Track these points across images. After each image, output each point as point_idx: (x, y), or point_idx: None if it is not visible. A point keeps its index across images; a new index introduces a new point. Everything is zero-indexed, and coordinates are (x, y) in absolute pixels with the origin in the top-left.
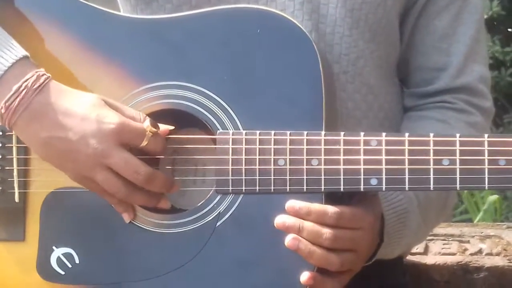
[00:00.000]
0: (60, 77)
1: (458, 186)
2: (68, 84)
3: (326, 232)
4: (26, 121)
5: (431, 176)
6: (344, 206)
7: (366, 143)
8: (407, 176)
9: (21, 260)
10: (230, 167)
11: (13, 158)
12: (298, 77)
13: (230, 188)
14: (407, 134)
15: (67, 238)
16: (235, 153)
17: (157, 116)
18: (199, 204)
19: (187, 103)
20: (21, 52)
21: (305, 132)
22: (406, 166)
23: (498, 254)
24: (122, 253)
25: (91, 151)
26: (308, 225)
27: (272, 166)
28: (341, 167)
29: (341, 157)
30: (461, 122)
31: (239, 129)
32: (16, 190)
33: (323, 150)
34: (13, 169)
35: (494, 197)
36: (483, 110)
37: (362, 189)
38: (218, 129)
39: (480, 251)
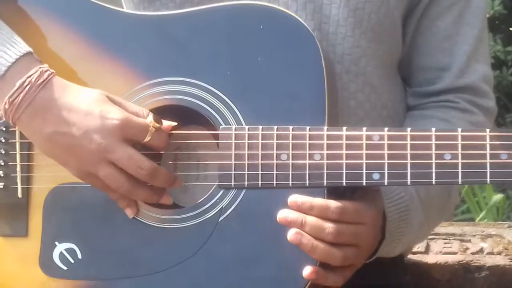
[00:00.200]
0: (64, 72)
1: (460, 180)
2: (72, 79)
3: (329, 226)
4: (29, 116)
5: (433, 170)
6: (347, 200)
7: (368, 137)
8: (409, 171)
9: (23, 256)
10: (232, 162)
11: (16, 153)
12: (301, 72)
13: (233, 183)
14: (409, 129)
15: (69, 234)
16: (238, 148)
17: (160, 112)
18: (201, 199)
19: (190, 98)
20: (24, 48)
21: (308, 127)
22: (408, 161)
23: (499, 253)
24: (124, 248)
25: (94, 146)
26: (311, 219)
27: (274, 161)
28: (344, 161)
29: (344, 151)
30: (464, 121)
31: (242, 125)
32: (19, 186)
33: (325, 144)
34: (16, 164)
35: (498, 196)
36: (486, 109)
37: (364, 184)
38: (221, 125)
39: (481, 250)
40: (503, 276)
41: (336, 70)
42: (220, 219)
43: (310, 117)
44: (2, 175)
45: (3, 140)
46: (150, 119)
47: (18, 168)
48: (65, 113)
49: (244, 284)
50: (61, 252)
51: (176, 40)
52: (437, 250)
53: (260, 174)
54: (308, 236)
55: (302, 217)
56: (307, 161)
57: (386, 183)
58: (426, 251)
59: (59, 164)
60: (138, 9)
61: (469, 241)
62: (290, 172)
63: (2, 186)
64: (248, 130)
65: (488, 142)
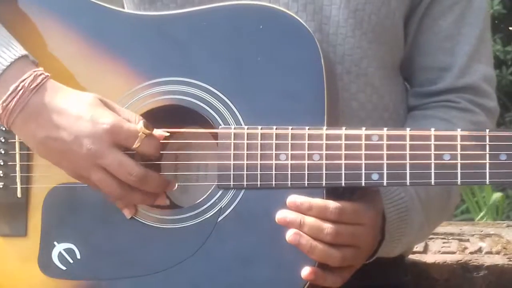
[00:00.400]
0: (64, 72)
1: (459, 181)
2: (71, 79)
3: (328, 227)
4: (23, 121)
5: (432, 171)
6: (346, 201)
7: (368, 138)
8: (408, 171)
9: (22, 255)
10: (231, 162)
11: (15, 153)
12: (300, 72)
13: (232, 183)
14: (408, 129)
15: (68, 234)
16: (237, 148)
17: (160, 112)
18: (200, 200)
19: (189, 99)
20: (20, 51)
21: (307, 127)
22: (407, 161)
23: (498, 253)
24: (123, 248)
25: (85, 151)
26: (310, 220)
27: (273, 161)
28: (343, 162)
29: (343, 152)
30: (465, 121)
31: (241, 125)
32: (19, 185)
33: (324, 145)
34: (15, 164)
35: (498, 195)
36: (487, 109)
37: (363, 184)
38: (220, 125)
39: (480, 250)
40: (501, 276)
41: (337, 71)
42: (219, 219)
43: (309, 117)
44: (1, 175)
45: (3, 140)
46: (140, 125)
47: (18, 168)
48: (56, 117)
49: (243, 284)
50: (60, 252)
51: (176, 40)
52: (436, 250)
53: (259, 174)
54: (306, 236)
55: (301, 217)
56: (306, 162)
57: (385, 184)
58: (425, 250)
59: (54, 165)
60: (139, 9)
61: (468, 240)
62: (289, 172)
63: (1, 186)
64: (247, 130)
65: (487, 142)
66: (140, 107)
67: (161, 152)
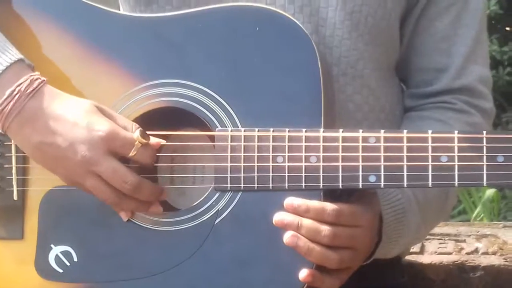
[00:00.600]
0: (59, 74)
1: (456, 182)
2: (67, 81)
3: (325, 229)
4: (18, 125)
5: (430, 172)
6: (343, 203)
7: (365, 140)
8: (405, 173)
9: (19, 258)
10: (228, 164)
11: (11, 156)
12: (297, 74)
13: (229, 185)
14: (405, 131)
15: (65, 236)
16: (234, 150)
17: (156, 114)
18: (197, 202)
19: (186, 101)
20: (16, 55)
21: (304, 129)
22: (405, 163)
23: (494, 253)
24: (120, 251)
25: (79, 158)
26: (307, 222)
27: (270, 163)
28: (340, 164)
29: (340, 154)
30: (461, 122)
31: (238, 127)
32: (15, 188)
33: (321, 147)
34: (11, 167)
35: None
36: (483, 111)
37: (360, 186)
38: (217, 127)
39: (476, 250)
40: (498, 276)
41: (333, 73)
42: (216, 221)
43: (306, 119)
44: None
45: None
46: (137, 134)
47: (14, 171)
48: (52, 123)
49: (240, 286)
50: (57, 255)
51: (172, 42)
52: (432, 250)
53: (256, 177)
54: (304, 238)
55: (298, 219)
56: (303, 164)
57: (382, 186)
58: (421, 251)
59: (49, 171)
60: (135, 11)
61: (464, 241)
62: (286, 174)
63: None
64: (244, 132)
65: (484, 144)
66: (136, 109)
67: (157, 154)
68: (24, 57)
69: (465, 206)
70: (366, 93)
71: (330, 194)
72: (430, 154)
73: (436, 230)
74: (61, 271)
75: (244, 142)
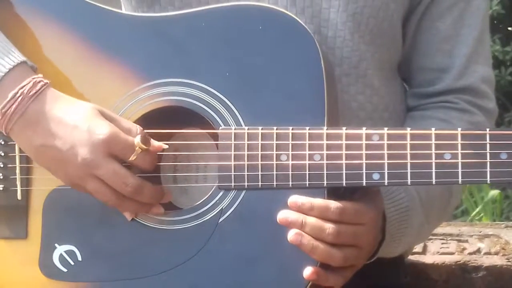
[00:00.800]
0: (62, 75)
1: (460, 180)
2: (69, 81)
3: (329, 227)
4: (21, 127)
5: (433, 170)
6: (347, 201)
7: (368, 137)
8: (409, 171)
9: (23, 258)
10: (232, 163)
11: (15, 155)
12: (300, 72)
13: (233, 184)
14: (409, 128)
15: (69, 236)
16: (237, 148)
17: (159, 113)
18: (201, 201)
19: (189, 100)
20: (18, 57)
21: (307, 127)
22: (408, 161)
23: (496, 254)
24: (124, 250)
25: (80, 161)
26: (311, 220)
27: (274, 162)
28: (343, 162)
29: (343, 152)
30: (463, 121)
31: (242, 126)
32: (19, 188)
33: (325, 145)
34: (15, 166)
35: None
36: (486, 110)
37: (364, 184)
38: (221, 126)
39: (478, 251)
40: (500, 276)
41: (336, 73)
42: (220, 220)
43: (309, 117)
44: (1, 177)
45: (2, 142)
46: (137, 140)
47: (18, 170)
48: (54, 126)
49: (244, 285)
50: (61, 254)
51: (174, 41)
52: (435, 251)
53: (260, 175)
54: (308, 236)
55: (302, 217)
56: (307, 162)
57: (386, 183)
58: (424, 251)
59: (50, 173)
60: (137, 12)
61: (467, 241)
62: (290, 172)
63: (1, 188)
64: (248, 130)
65: (488, 141)
66: (140, 108)
67: (160, 153)
68: (27, 58)
69: (467, 206)
70: (369, 92)
71: (334, 192)
72: (433, 151)
73: (439, 230)
74: (65, 270)
75: (247, 140)
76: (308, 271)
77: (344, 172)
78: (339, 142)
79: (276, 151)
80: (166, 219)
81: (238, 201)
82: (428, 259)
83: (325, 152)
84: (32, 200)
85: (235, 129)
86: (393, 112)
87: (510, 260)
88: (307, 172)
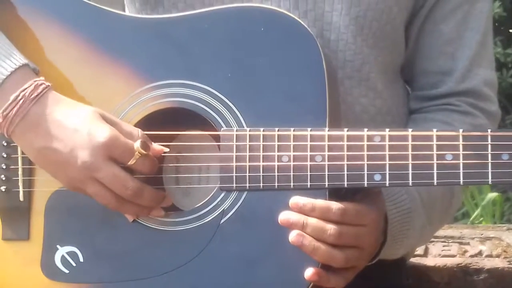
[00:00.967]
0: (64, 77)
1: (461, 181)
2: (72, 84)
3: (330, 228)
4: (22, 130)
5: (435, 171)
6: (348, 202)
7: (370, 138)
8: (410, 172)
9: (25, 259)
10: (234, 164)
11: (18, 157)
12: (302, 74)
13: (234, 185)
14: (410, 130)
15: (71, 237)
16: (239, 150)
17: (161, 115)
18: (203, 202)
19: (191, 101)
20: (20, 60)
21: (309, 128)
22: (410, 162)
23: (498, 256)
24: (126, 251)
25: (80, 164)
26: (312, 221)
27: (276, 163)
28: (345, 163)
29: (345, 153)
30: (466, 124)
31: (243, 127)
32: (21, 189)
33: (326, 146)
34: (17, 168)
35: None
36: (489, 113)
37: (366, 185)
38: (222, 127)
39: (480, 253)
40: (502, 279)
41: (338, 76)
42: (222, 221)
43: (311, 118)
44: (3, 179)
45: (5, 144)
46: (137, 145)
47: (20, 172)
48: (54, 128)
49: (246, 286)
50: (62, 256)
51: (177, 42)
52: (436, 253)
53: (261, 176)
54: (309, 237)
55: (304, 218)
56: (308, 163)
57: (387, 184)
58: (425, 254)
59: (51, 176)
60: (141, 14)
61: (468, 243)
62: (292, 173)
63: (4, 190)
64: (249, 131)
65: (489, 142)
66: (142, 110)
67: (162, 154)
68: (29, 61)
69: (468, 208)
70: (372, 95)
71: (335, 193)
72: (435, 152)
73: (440, 232)
74: (67, 271)
75: (249, 141)
76: (309, 272)
77: (345, 173)
78: (341, 143)
79: (277, 152)
80: (167, 220)
81: (240, 202)
82: (429, 261)
83: (326, 153)
84: (34, 201)
85: (236, 130)
86: (396, 115)
87: (511, 262)
88: (308, 173)
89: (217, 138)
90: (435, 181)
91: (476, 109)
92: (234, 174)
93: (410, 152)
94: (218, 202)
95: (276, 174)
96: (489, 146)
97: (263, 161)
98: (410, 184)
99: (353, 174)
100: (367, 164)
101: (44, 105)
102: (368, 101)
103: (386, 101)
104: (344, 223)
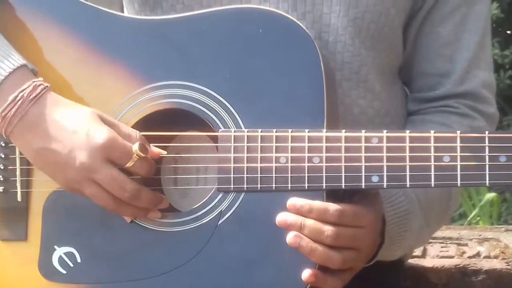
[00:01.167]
0: (63, 78)
1: (459, 182)
2: (70, 85)
3: (328, 229)
4: (20, 131)
5: (432, 172)
6: (346, 203)
7: (367, 140)
8: (408, 173)
9: (23, 260)
10: (231, 165)
11: (15, 157)
12: (300, 75)
13: (232, 186)
14: (408, 131)
15: (69, 237)
16: (237, 151)
17: (159, 116)
18: (200, 203)
19: (189, 102)
20: (19, 61)
21: (307, 130)
22: (407, 163)
23: (496, 257)
24: (124, 252)
25: (78, 165)
26: (310, 222)
27: (273, 164)
28: (343, 164)
29: (343, 154)
30: (464, 126)
31: (241, 128)
32: (19, 190)
33: (324, 147)
34: (15, 168)
35: (491, 195)
36: (487, 115)
37: (363, 187)
38: (220, 128)
39: (478, 254)
40: (500, 280)
41: (336, 78)
42: (219, 222)
43: (309, 119)
44: (1, 179)
45: (3, 144)
46: (135, 147)
47: (18, 172)
48: (53, 130)
49: (244, 287)
50: (60, 256)
51: (175, 43)
52: (434, 254)
53: (259, 177)
54: (307, 239)
55: (301, 220)
56: (306, 164)
57: (385, 186)
58: (423, 255)
59: (49, 177)
60: (139, 15)
61: (466, 245)
62: (289, 175)
63: (1, 190)
64: (247, 132)
65: (487, 144)
66: (140, 111)
67: (160, 156)
68: (28, 61)
69: (465, 209)
70: (370, 97)
71: (333, 195)
72: (432, 154)
73: (438, 233)
74: (64, 272)
75: (247, 143)
76: (306, 274)
77: (343, 174)
78: (339, 144)
79: (275, 153)
80: (165, 221)
81: (237, 203)
82: (427, 262)
83: (324, 154)
84: (32, 202)
85: (234, 131)
86: (394, 117)
87: (509, 263)
88: (306, 175)
89: (215, 139)
90: (432, 183)
91: (475, 111)
92: (232, 175)
93: (407, 154)
94: (215, 203)
95: (273, 175)
96: (487, 148)
97: (261, 163)
98: (408, 185)
99: (351, 175)
100: (365, 165)
101: (42, 106)
102: (366, 103)
103: (384, 103)
104: (341, 225)
